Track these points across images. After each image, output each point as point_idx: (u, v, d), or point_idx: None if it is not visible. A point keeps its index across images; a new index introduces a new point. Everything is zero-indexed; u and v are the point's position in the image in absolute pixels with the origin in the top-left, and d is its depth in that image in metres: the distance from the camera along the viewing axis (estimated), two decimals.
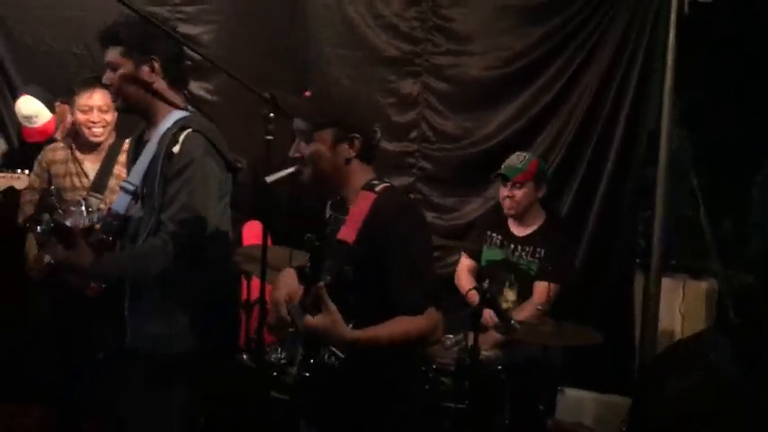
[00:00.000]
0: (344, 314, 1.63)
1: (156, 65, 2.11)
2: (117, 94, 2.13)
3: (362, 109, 1.89)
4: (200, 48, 3.34)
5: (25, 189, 3.16)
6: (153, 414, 2.09)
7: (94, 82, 3.03)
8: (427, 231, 1.93)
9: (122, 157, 3.05)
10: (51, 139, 3.42)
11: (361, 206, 1.74)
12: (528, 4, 3.48)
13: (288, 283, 1.90)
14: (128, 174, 2.30)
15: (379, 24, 3.59)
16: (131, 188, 2.15)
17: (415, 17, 3.56)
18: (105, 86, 2.94)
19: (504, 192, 3.11)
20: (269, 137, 2.25)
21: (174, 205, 2.02)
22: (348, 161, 1.78)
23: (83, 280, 2.34)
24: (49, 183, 3.15)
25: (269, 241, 3.51)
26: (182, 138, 2.06)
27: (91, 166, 3.13)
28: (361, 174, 1.80)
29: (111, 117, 3.09)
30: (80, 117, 3.07)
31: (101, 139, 3.10)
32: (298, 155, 1.80)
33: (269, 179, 1.80)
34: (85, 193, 3.06)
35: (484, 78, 3.55)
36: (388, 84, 3.62)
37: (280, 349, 2.76)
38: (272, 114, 2.24)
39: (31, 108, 3.47)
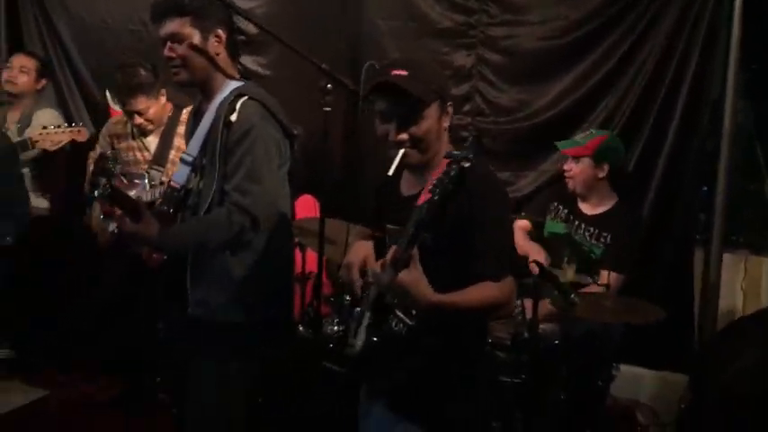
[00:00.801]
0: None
1: (223, 35, 2.11)
2: (182, 66, 2.08)
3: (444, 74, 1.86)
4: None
5: (89, 160, 3.24)
6: (212, 383, 2.10)
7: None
8: (508, 202, 1.92)
9: (181, 129, 3.11)
10: None
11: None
12: None
13: (362, 250, 1.86)
14: (186, 146, 2.31)
15: None
16: (190, 159, 2.16)
17: None
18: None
19: (564, 165, 3.05)
20: (327, 108, 2.26)
21: (237, 174, 2.02)
22: (445, 130, 1.78)
23: (147, 251, 2.37)
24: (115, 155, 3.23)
25: (318, 212, 3.56)
26: (238, 105, 2.05)
27: (152, 139, 3.20)
28: (445, 143, 1.80)
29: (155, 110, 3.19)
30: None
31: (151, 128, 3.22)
32: (404, 137, 1.73)
33: (390, 173, 1.77)
34: (147, 166, 3.13)
35: (540, 49, 3.47)
36: (441, 56, 3.57)
37: (336, 320, 2.77)
38: (329, 86, 2.25)
39: None
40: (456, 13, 3.53)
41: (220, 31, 2.11)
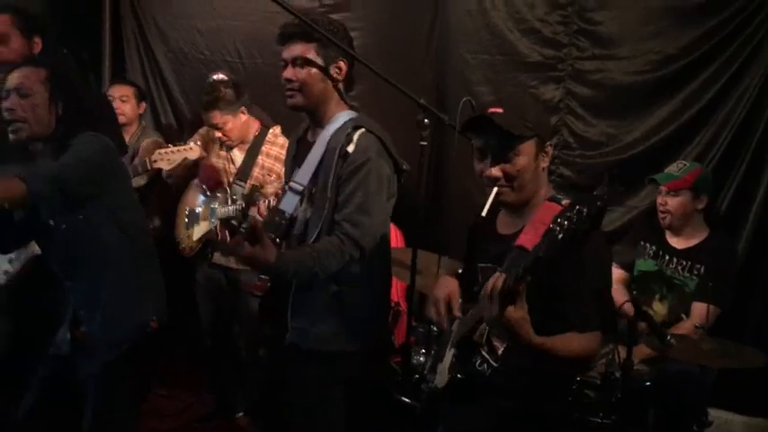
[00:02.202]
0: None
1: (344, 67, 2.16)
2: (299, 90, 2.11)
3: (546, 114, 1.86)
4: None
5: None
6: (314, 411, 2.14)
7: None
8: (609, 252, 1.90)
9: (266, 148, 3.26)
10: None
11: (544, 215, 1.66)
12: (682, 4, 3.32)
13: (448, 285, 1.89)
14: (287, 173, 2.37)
15: (521, 29, 3.55)
16: (300, 188, 2.17)
17: (559, 21, 3.49)
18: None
19: (658, 200, 2.99)
20: (423, 142, 2.28)
21: (350, 205, 2.05)
22: (543, 170, 1.77)
23: (251, 277, 2.43)
24: None
25: (402, 244, 3.60)
26: (355, 137, 2.08)
27: (238, 153, 3.34)
28: (545, 184, 1.79)
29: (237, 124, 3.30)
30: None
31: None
32: (498, 174, 1.73)
33: (484, 213, 1.78)
34: (231, 179, 3.27)
35: (631, 83, 3.42)
36: (528, 89, 3.57)
37: (423, 351, 2.79)
38: (426, 120, 2.28)
39: None
40: (545, 47, 3.54)
41: (342, 63, 2.14)
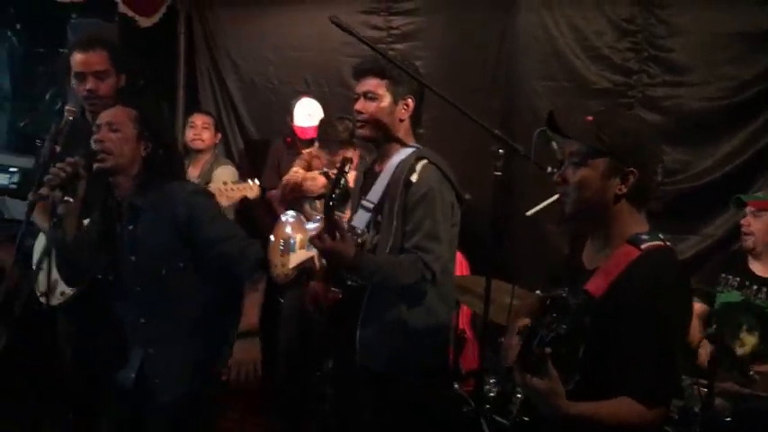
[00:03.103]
0: (569, 369, 1.44)
1: (411, 105, 2.26)
2: (368, 122, 2.23)
3: (652, 142, 1.63)
4: None
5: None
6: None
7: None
8: (688, 314, 1.65)
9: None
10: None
11: (618, 260, 1.53)
12: (755, 30, 3.25)
13: (521, 316, 1.86)
14: (354, 202, 2.46)
15: (590, 56, 3.54)
16: (371, 206, 2.29)
17: (629, 48, 3.47)
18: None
19: (742, 221, 2.91)
20: (498, 173, 2.30)
21: (419, 233, 2.13)
22: (617, 199, 1.54)
23: (325, 286, 2.49)
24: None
25: (468, 271, 3.60)
26: (419, 167, 2.18)
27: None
28: (628, 219, 1.57)
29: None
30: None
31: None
32: (559, 179, 1.61)
33: (530, 213, 1.75)
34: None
35: (704, 110, 3.36)
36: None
37: (492, 380, 2.78)
38: (501, 151, 2.30)
39: (312, 107, 3.91)
40: (614, 74, 3.51)
41: (410, 100, 2.26)
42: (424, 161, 2.20)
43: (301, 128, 3.89)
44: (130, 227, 2.21)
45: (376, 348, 2.20)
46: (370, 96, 2.22)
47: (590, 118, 1.63)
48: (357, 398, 2.31)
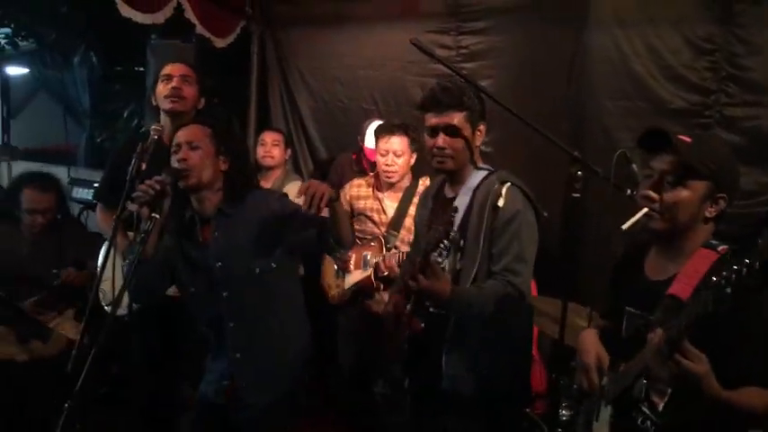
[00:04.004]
0: None
1: (484, 130, 2.28)
2: (451, 156, 2.22)
3: (737, 167, 1.73)
4: None
5: None
6: None
7: (392, 128, 3.35)
8: None
9: (416, 199, 3.29)
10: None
11: (699, 265, 1.64)
12: None
13: (592, 347, 1.89)
14: (423, 228, 2.46)
15: (665, 75, 3.48)
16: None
17: (706, 67, 3.39)
18: (407, 135, 3.25)
19: None
20: (576, 194, 2.29)
21: (507, 255, 2.14)
22: (706, 221, 1.69)
23: (409, 317, 2.51)
24: (351, 215, 3.48)
25: (535, 292, 3.56)
26: (504, 191, 2.17)
27: (390, 203, 3.42)
28: (707, 234, 1.71)
29: (405, 161, 3.36)
30: (378, 160, 3.40)
31: (395, 180, 3.38)
32: (654, 196, 1.69)
33: (626, 227, 1.74)
34: (384, 229, 3.36)
35: None
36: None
37: (564, 404, 2.73)
38: (579, 173, 2.29)
39: None
40: (690, 93, 3.44)
41: (483, 126, 2.27)
42: (508, 184, 2.20)
43: (372, 150, 3.94)
44: (216, 234, 2.31)
45: (464, 374, 2.19)
46: (451, 131, 2.20)
47: (687, 139, 1.67)
48: (437, 421, 2.31)
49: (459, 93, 2.19)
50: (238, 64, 4.80)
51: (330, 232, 2.27)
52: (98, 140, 6.76)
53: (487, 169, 2.32)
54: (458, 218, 2.23)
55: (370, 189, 3.49)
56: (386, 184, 3.43)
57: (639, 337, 1.73)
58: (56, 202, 3.37)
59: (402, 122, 3.41)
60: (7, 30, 6.43)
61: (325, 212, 2.17)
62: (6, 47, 6.64)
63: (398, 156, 3.32)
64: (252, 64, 4.81)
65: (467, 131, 2.22)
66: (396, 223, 3.35)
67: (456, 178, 2.32)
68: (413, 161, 3.40)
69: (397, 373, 2.95)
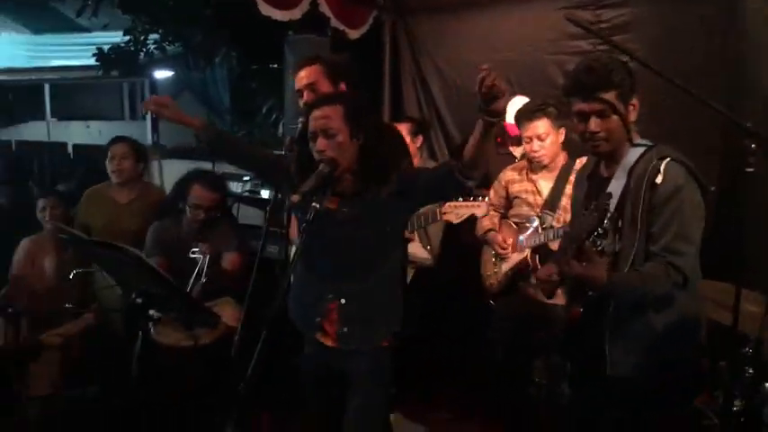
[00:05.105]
0: None
1: (636, 103, 2.16)
2: (607, 139, 2.14)
3: None
4: None
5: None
6: None
7: (530, 114, 3.29)
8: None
9: (572, 178, 3.20)
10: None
11: None
12: None
13: None
14: (578, 208, 2.39)
15: None
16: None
17: None
18: (547, 116, 3.17)
19: None
20: (750, 169, 2.15)
21: (667, 234, 2.04)
22: None
23: (568, 303, 2.47)
24: (507, 199, 3.48)
25: None
26: (662, 167, 2.07)
27: (545, 184, 3.36)
28: None
29: (552, 141, 3.29)
30: (525, 147, 3.35)
31: (546, 162, 3.33)
32: None
33: None
34: (539, 210, 3.31)
35: None
36: None
37: (735, 392, 2.59)
38: (753, 145, 2.15)
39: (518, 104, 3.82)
40: None
41: (635, 101, 2.16)
42: (668, 159, 2.09)
43: (512, 125, 3.88)
44: (345, 209, 2.34)
45: (629, 360, 2.13)
46: (604, 113, 2.11)
47: None
48: (600, 407, 2.26)
49: (606, 71, 2.09)
50: (371, 54, 4.87)
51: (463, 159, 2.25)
52: (238, 136, 7.09)
53: (645, 145, 2.20)
54: (613, 201, 2.16)
55: (524, 172, 3.46)
56: (538, 166, 3.38)
57: None
58: (220, 201, 3.57)
59: (538, 104, 3.33)
60: (156, 35, 6.88)
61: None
62: (155, 52, 7.11)
63: (542, 139, 3.26)
64: (384, 53, 4.87)
65: (620, 109, 2.11)
66: (551, 203, 3.29)
67: (612, 157, 2.23)
68: (562, 137, 3.32)
69: (555, 358, 2.91)
